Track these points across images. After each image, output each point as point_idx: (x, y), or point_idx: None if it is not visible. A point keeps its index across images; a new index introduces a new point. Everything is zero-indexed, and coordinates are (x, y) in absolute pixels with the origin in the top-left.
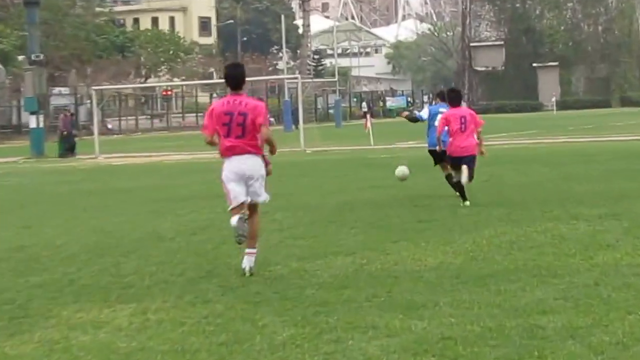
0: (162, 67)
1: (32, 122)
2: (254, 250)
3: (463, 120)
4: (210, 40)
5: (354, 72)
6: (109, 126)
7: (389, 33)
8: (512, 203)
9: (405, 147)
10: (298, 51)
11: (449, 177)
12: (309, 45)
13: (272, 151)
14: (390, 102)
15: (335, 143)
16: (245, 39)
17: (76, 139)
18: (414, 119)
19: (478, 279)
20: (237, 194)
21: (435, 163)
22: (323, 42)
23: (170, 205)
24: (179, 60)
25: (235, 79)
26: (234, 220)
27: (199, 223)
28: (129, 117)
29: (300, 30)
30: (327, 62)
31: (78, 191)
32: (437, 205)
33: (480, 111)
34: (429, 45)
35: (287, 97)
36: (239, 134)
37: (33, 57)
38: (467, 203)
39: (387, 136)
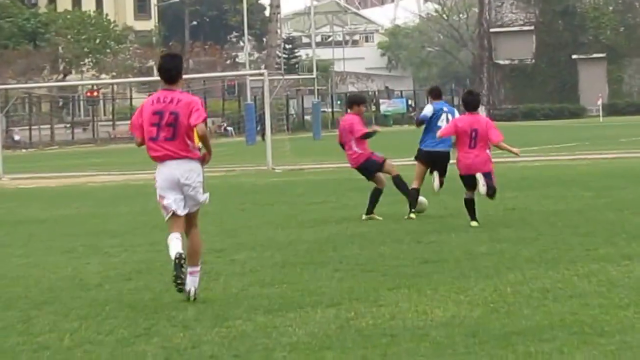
0: (87, 61)
1: None
2: (197, 268)
3: (474, 134)
4: (149, 24)
5: (338, 67)
6: (16, 137)
7: (384, 15)
8: (546, 238)
9: (405, 164)
10: (264, 39)
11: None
12: (278, 31)
13: (206, 158)
14: (385, 106)
15: (313, 159)
16: (195, 23)
17: None
18: (421, 122)
19: (501, 338)
20: (172, 203)
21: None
22: (297, 27)
23: (96, 241)
24: (108, 51)
25: (169, 72)
26: (173, 247)
27: (133, 265)
28: (43, 126)
29: (268, 12)
30: (302, 53)
31: None
32: (447, 242)
33: (503, 118)
34: (436, 32)
35: (249, 100)
36: (168, 136)
37: None
38: (475, 224)
39: (381, 150)
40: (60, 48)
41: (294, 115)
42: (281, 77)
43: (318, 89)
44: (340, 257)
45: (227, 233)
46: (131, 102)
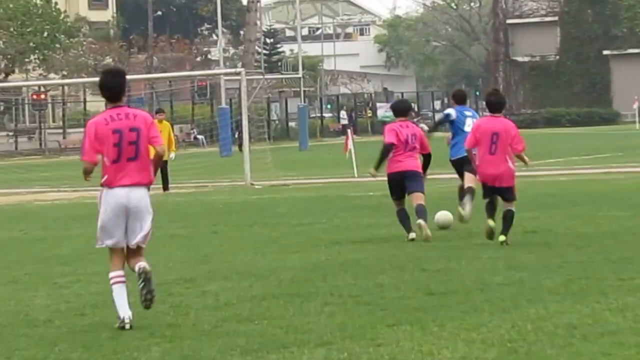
0: (32, 57)
1: None
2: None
3: (494, 137)
4: (106, 15)
5: (328, 65)
6: None
7: (382, 5)
8: (572, 266)
9: None
10: (241, 32)
11: (464, 190)
12: (258, 23)
13: (153, 174)
14: (383, 111)
15: (299, 173)
16: (159, 13)
17: None
18: (440, 122)
19: None
20: (116, 233)
21: (462, 176)
22: (280, 18)
23: (45, 270)
24: (57, 46)
25: (112, 91)
26: (120, 303)
27: (88, 298)
28: None
29: (245, 1)
30: (285, 49)
31: None
32: (456, 270)
33: (522, 125)
34: (443, 24)
35: (224, 103)
36: (131, 156)
37: None
38: (492, 223)
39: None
40: (0, 42)
41: (277, 122)
42: (261, 76)
43: (305, 91)
44: (331, 288)
45: (198, 259)
46: (85, 106)
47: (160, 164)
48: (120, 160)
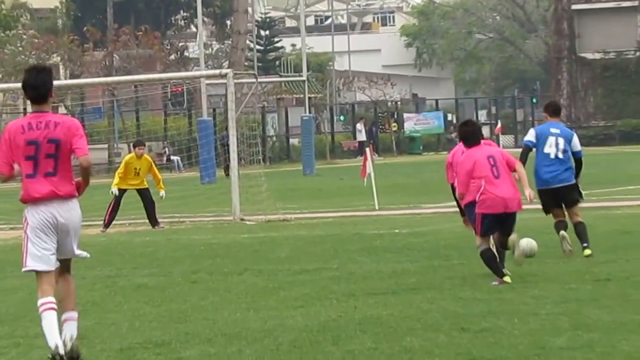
0: None
1: None
2: (75, 315)
3: (492, 160)
4: (53, 1)
5: (341, 64)
6: None
7: None
8: None
9: (441, 212)
10: (228, 22)
11: (558, 225)
12: (249, 11)
13: (80, 187)
14: (412, 123)
15: (302, 205)
16: None
17: None
18: (524, 154)
19: None
20: (45, 254)
21: (547, 211)
22: (277, 4)
23: None
24: None
25: (36, 90)
26: (50, 332)
27: None
28: None
29: None
30: (285, 43)
31: None
32: (507, 329)
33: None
34: (490, 11)
35: (205, 115)
36: (49, 171)
37: None
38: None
39: (406, 191)
40: None
41: (274, 138)
42: (254, 79)
43: (310, 98)
44: (344, 354)
45: (173, 317)
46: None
47: (88, 178)
48: (37, 175)
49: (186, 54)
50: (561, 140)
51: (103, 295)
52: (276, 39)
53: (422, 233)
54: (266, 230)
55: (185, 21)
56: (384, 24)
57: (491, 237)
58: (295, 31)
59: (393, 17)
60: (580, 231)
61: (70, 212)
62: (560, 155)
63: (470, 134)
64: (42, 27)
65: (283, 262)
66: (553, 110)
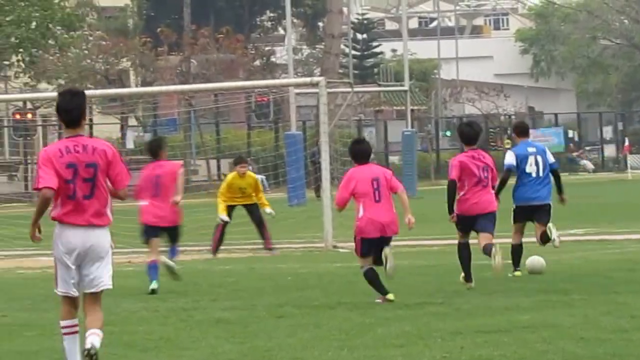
0: (15, 59)
1: None
2: (100, 332)
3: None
4: None
5: (448, 73)
6: None
7: None
8: None
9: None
10: (320, 24)
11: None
12: (345, 11)
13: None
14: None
15: (402, 232)
16: None
17: None
18: (504, 181)
19: None
20: (68, 278)
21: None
22: (376, 4)
23: None
24: (52, 42)
25: (70, 114)
26: (68, 341)
27: None
28: None
29: None
30: (384, 49)
31: None
32: None
33: None
34: (617, 13)
35: (294, 128)
36: (86, 194)
37: None
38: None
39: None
40: None
41: (372, 155)
42: (350, 88)
43: (413, 110)
44: None
45: (256, 356)
46: (91, 130)
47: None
48: (74, 198)
49: (273, 59)
50: (539, 158)
51: (177, 330)
52: (375, 44)
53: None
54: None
55: (272, 23)
56: (496, 28)
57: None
58: (396, 35)
59: (507, 19)
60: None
61: (98, 241)
62: (541, 174)
63: (359, 152)
64: (111, 28)
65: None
66: (521, 130)
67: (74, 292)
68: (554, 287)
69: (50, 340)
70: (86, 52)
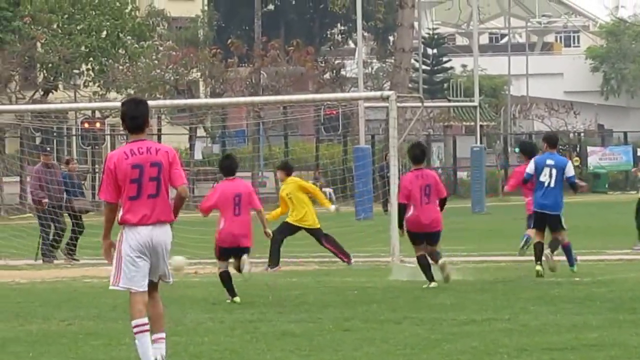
0: (84, 68)
1: None
2: (163, 335)
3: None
4: (193, 9)
5: (517, 89)
6: None
7: (598, 3)
8: None
9: (627, 260)
10: (391, 38)
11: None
12: (415, 25)
13: (174, 216)
14: (597, 159)
15: (470, 247)
16: (271, 7)
17: None
18: (523, 183)
19: None
20: (138, 275)
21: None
22: (447, 19)
23: None
24: (121, 52)
25: (135, 121)
26: (145, 353)
27: None
28: (8, 179)
29: None
30: (455, 64)
31: None
32: None
33: None
34: None
35: (363, 142)
36: (152, 193)
37: None
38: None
39: (588, 234)
40: (39, 45)
41: (440, 170)
42: (420, 103)
43: (482, 126)
44: None
45: None
46: (159, 139)
47: (182, 206)
48: (141, 197)
49: (343, 72)
50: (554, 171)
51: (243, 342)
52: (445, 59)
53: (605, 282)
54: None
55: (343, 36)
56: (567, 45)
57: None
58: (466, 50)
59: (578, 37)
60: (554, 245)
61: (165, 235)
62: (552, 184)
63: (227, 167)
64: (181, 38)
65: (447, 310)
66: (550, 143)
67: (141, 289)
68: (622, 306)
69: (116, 350)
70: (156, 62)
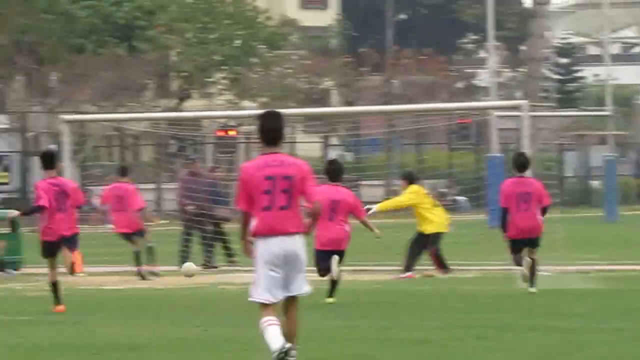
0: (218, 76)
1: None
2: (295, 352)
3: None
4: (325, 17)
5: None
6: (97, 203)
7: None
8: None
9: None
10: (522, 48)
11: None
12: (546, 35)
13: (308, 230)
14: None
15: (603, 256)
16: (403, 17)
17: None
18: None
19: None
20: (272, 286)
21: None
22: (578, 28)
23: None
24: (254, 61)
25: (272, 134)
26: (273, 336)
27: None
28: (143, 185)
29: (529, 3)
30: (586, 73)
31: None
32: None
33: None
34: None
35: (495, 151)
36: (283, 205)
37: None
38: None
39: None
40: (173, 54)
41: (573, 179)
42: (551, 112)
43: (615, 135)
44: None
45: None
46: (293, 148)
47: (317, 221)
48: (272, 208)
49: (474, 81)
50: None
51: (377, 349)
52: (576, 68)
53: None
54: (561, 283)
55: (474, 45)
56: None
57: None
58: (598, 60)
59: None
60: None
61: (295, 246)
62: None
63: (331, 171)
64: (314, 48)
65: (580, 318)
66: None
67: (275, 300)
68: None
69: (251, 356)
70: (289, 71)
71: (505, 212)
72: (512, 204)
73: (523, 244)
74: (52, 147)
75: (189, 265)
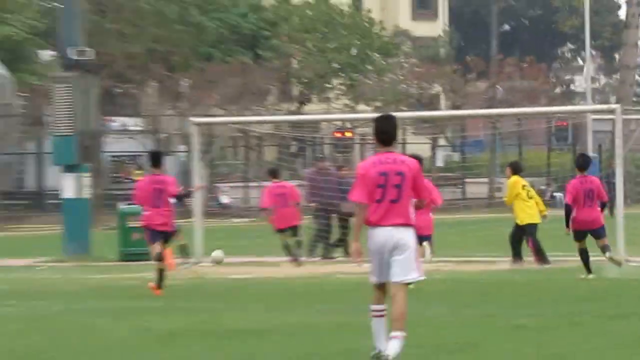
0: (335, 82)
1: (68, 186)
2: (399, 334)
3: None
4: (435, 28)
5: None
6: (224, 200)
7: None
8: None
9: None
10: (616, 56)
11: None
12: (637, 44)
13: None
14: None
15: None
16: (507, 27)
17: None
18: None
19: None
20: (380, 272)
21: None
22: None
23: None
24: (369, 68)
25: (387, 135)
26: (377, 336)
27: None
28: (267, 184)
29: (623, 13)
30: None
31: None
32: None
33: None
34: None
35: (591, 151)
36: (393, 198)
37: (71, 53)
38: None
39: None
40: (294, 61)
41: None
42: None
43: None
44: None
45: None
46: (404, 149)
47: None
48: (384, 201)
49: (572, 87)
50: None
51: (481, 335)
52: None
53: None
54: None
55: (572, 54)
56: None
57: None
58: None
59: None
60: None
61: (400, 236)
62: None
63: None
64: (424, 56)
65: None
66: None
67: (382, 280)
68: None
69: (364, 339)
70: (401, 77)
71: (569, 208)
72: (580, 200)
73: (585, 234)
74: (180, 148)
75: (218, 253)
